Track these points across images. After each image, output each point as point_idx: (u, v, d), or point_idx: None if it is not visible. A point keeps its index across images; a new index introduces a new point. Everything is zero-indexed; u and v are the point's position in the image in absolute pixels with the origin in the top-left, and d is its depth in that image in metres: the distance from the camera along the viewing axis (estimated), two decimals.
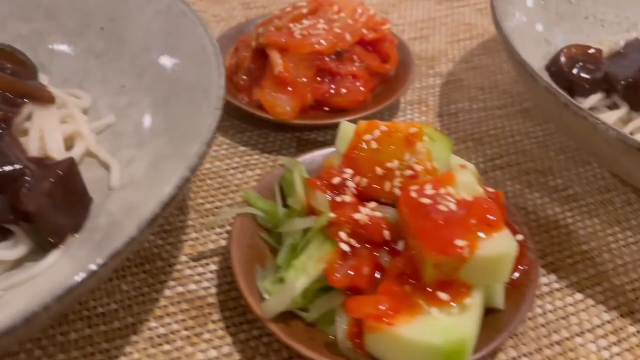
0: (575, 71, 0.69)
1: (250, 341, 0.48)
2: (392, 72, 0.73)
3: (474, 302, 0.41)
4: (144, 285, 0.52)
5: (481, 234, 0.41)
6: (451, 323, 0.39)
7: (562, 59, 0.69)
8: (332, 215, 0.46)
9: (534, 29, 0.73)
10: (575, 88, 0.69)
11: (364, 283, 0.43)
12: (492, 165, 0.66)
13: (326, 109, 0.68)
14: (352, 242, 0.45)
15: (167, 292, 0.51)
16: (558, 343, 0.49)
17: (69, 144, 0.55)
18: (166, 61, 0.59)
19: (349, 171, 0.49)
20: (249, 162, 0.65)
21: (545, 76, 0.70)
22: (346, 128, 0.53)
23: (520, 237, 0.50)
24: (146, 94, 0.59)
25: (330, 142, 0.58)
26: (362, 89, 0.68)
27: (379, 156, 0.49)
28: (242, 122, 0.70)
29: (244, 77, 0.69)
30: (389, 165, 0.48)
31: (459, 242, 0.40)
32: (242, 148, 0.67)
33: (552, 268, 0.55)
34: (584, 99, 0.67)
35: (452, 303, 0.40)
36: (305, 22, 0.69)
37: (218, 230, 0.57)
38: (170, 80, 0.57)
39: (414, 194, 0.44)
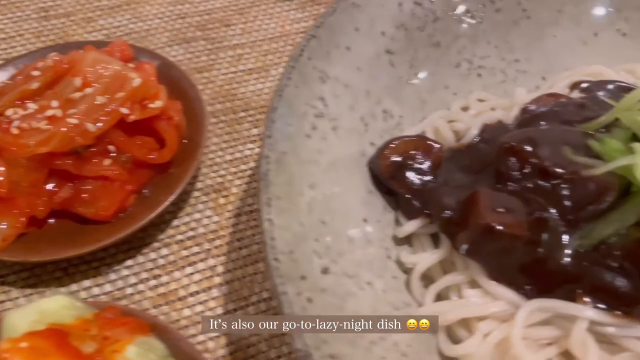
0: (401, 176, 0.51)
1: None
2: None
3: None
4: None
5: None
6: None
7: (384, 158, 0.51)
8: None
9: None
10: (400, 200, 0.52)
11: None
12: None
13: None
14: None
15: None
16: None
17: None
18: None
19: None
20: None
21: (366, 172, 0.52)
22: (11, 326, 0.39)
23: None
24: None
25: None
26: (116, 194, 0.51)
27: None
28: None
29: None
30: None
31: None
32: None
33: None
34: (406, 220, 0.50)
35: None
36: (31, 105, 0.50)
37: None
38: None
39: None
